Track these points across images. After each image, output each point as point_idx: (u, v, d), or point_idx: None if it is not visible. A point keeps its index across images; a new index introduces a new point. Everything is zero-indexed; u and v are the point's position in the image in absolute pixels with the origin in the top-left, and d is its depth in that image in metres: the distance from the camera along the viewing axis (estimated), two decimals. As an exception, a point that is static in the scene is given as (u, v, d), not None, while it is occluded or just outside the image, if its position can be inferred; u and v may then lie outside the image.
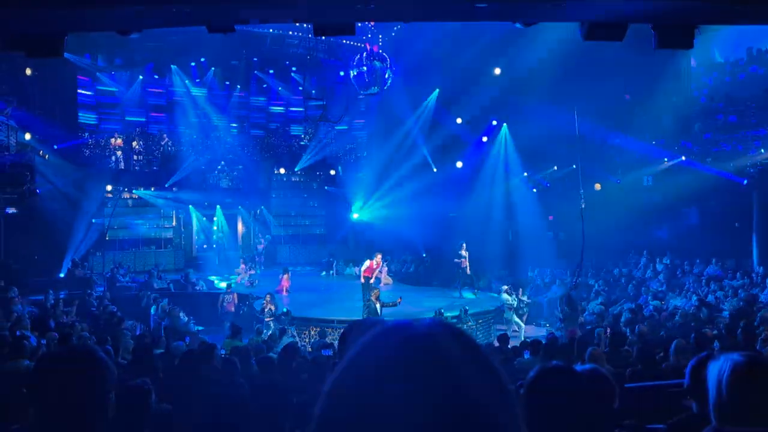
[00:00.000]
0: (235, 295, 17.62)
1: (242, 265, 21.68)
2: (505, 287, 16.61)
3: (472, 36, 19.83)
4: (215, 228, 25.65)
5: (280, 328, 13.38)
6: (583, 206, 15.38)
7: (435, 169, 24.57)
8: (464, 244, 19.18)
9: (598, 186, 20.11)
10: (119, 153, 23.76)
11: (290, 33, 22.73)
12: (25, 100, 17.54)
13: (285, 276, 19.45)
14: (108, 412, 2.08)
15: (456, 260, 18.95)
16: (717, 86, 20.81)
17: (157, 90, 24.94)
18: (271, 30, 22.23)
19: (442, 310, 15.71)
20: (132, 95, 24.29)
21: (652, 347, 8.13)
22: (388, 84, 18.64)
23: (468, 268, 19.02)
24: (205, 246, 25.75)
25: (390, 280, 20.92)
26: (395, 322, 0.96)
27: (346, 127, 26.69)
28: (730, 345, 8.57)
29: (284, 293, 18.66)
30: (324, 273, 23.83)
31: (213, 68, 24.73)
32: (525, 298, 17.12)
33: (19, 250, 17.47)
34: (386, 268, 20.90)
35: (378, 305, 13.96)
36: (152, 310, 15.42)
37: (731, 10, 6.73)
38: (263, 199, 25.73)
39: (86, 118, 23.17)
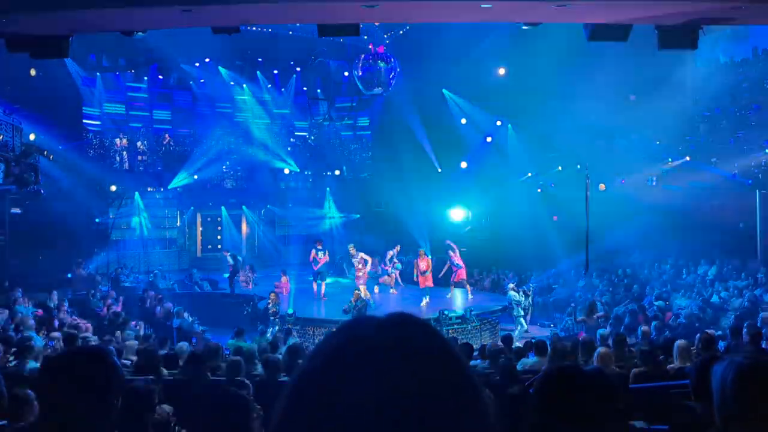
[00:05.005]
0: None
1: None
2: (512, 285, 16.55)
3: (477, 36, 19.81)
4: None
5: (285, 329, 13.38)
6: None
7: (439, 170, 24.55)
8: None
9: (602, 186, 20.04)
10: (124, 153, 23.78)
11: (292, 34, 22.71)
12: (29, 100, 17.54)
13: (284, 278, 19.34)
14: (112, 415, 2.08)
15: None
16: (722, 86, 20.73)
17: (161, 90, 24.95)
18: (275, 30, 22.23)
19: (446, 311, 15.69)
20: (136, 95, 24.31)
21: (656, 348, 8.12)
22: (393, 84, 18.60)
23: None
24: (210, 246, 25.74)
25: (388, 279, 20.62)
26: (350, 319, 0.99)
27: (350, 128, 26.68)
28: (734, 346, 8.57)
29: (284, 293, 18.51)
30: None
31: (218, 68, 24.74)
32: (530, 299, 17.07)
33: (23, 251, 17.51)
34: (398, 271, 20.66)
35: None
36: (156, 311, 15.45)
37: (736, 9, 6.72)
38: (268, 199, 25.73)
39: (91, 118, 23.19)
